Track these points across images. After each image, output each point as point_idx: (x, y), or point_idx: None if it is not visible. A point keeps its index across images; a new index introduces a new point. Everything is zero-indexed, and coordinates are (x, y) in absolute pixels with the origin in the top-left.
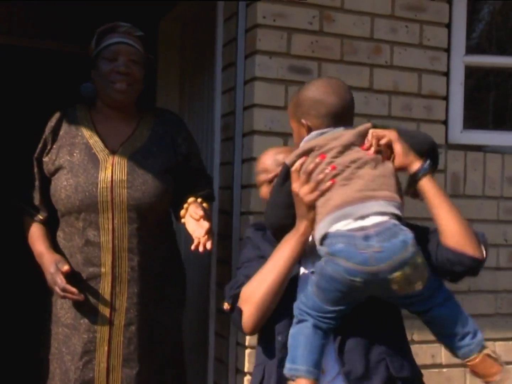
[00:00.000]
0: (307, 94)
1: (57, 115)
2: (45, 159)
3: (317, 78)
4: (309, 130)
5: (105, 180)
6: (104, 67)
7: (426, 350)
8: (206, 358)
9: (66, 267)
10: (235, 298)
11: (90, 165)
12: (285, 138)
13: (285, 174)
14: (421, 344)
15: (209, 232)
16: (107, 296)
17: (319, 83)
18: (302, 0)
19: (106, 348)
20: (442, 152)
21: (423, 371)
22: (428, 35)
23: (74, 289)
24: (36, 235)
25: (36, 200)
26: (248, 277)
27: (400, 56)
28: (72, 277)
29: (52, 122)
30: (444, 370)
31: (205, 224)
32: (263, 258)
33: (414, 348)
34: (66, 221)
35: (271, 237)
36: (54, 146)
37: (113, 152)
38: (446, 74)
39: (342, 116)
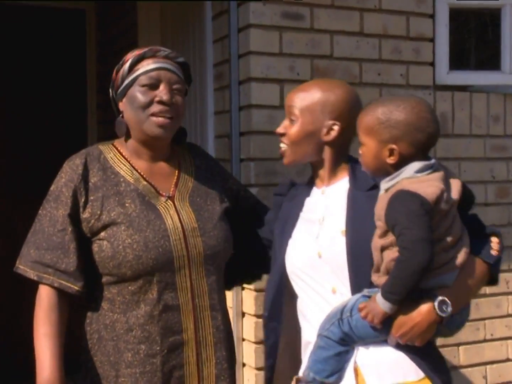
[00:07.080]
0: (405, 117)
1: (79, 160)
2: (85, 215)
3: (413, 99)
4: (399, 157)
5: (176, 231)
6: (141, 97)
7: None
8: None
9: None
10: None
11: (152, 216)
12: (281, 84)
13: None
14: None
15: None
16: (193, 365)
17: (419, 107)
18: None
19: None
20: (430, 93)
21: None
22: None
23: None
24: (50, 331)
25: (71, 266)
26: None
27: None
28: None
29: (77, 169)
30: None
31: None
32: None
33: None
34: (123, 288)
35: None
36: (92, 198)
37: (168, 197)
38: (432, 16)
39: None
